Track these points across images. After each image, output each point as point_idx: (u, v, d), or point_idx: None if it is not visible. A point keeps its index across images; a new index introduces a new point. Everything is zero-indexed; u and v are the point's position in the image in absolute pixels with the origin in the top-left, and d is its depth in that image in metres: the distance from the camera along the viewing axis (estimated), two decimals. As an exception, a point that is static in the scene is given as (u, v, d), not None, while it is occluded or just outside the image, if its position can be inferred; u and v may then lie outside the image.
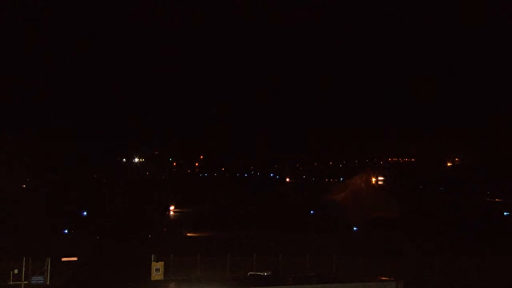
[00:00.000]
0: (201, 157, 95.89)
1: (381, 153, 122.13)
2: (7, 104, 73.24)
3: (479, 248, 55.37)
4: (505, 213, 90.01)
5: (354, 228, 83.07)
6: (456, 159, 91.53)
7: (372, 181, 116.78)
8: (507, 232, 68.18)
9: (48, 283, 37.65)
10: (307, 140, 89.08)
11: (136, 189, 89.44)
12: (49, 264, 37.99)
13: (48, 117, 78.27)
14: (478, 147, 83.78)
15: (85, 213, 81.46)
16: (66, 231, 71.24)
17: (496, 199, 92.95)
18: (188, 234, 74.26)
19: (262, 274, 35.32)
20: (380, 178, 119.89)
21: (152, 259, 38.66)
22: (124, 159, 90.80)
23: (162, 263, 38.40)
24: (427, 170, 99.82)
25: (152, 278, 36.75)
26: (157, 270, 37.90)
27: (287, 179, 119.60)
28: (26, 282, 36.61)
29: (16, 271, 36.68)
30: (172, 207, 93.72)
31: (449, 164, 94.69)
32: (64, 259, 40.76)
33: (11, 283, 36.43)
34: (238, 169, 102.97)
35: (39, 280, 37.09)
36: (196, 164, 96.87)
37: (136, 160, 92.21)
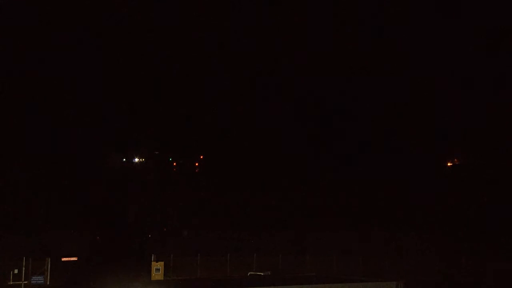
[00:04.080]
0: (201, 157, 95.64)
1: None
2: (6, 102, 72.94)
3: (479, 247, 55.41)
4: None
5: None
6: (456, 159, 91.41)
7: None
8: (507, 232, 68.15)
9: (48, 283, 37.66)
10: (307, 139, 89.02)
11: (136, 188, 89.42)
12: (49, 264, 38.01)
13: (48, 116, 78.06)
14: (478, 147, 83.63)
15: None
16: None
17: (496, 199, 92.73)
18: (188, 234, 74.18)
19: (262, 274, 35.37)
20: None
21: (152, 259, 38.68)
22: (124, 159, 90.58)
23: (162, 263, 38.42)
24: (427, 170, 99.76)
25: (152, 278, 36.75)
26: (157, 270, 37.92)
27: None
28: (26, 282, 36.63)
29: (16, 271, 36.71)
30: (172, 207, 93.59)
31: (449, 164, 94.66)
32: (64, 259, 40.75)
33: (11, 283, 36.46)
34: (238, 169, 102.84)
35: (39, 280, 37.11)
36: (196, 164, 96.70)
37: (136, 160, 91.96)
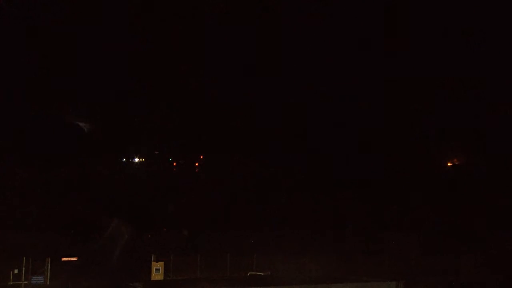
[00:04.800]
0: (201, 157, 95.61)
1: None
2: (6, 103, 72.94)
3: (478, 247, 55.43)
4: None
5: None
6: (455, 160, 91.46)
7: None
8: (507, 232, 68.14)
9: (48, 283, 37.68)
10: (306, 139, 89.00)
11: (136, 188, 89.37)
12: (49, 264, 38.01)
13: (48, 116, 78.02)
14: (478, 147, 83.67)
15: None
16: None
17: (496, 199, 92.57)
18: (188, 234, 74.10)
19: (262, 274, 35.38)
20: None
21: (152, 259, 38.71)
22: (124, 159, 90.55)
23: (162, 263, 38.47)
24: (426, 170, 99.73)
25: (152, 278, 36.79)
26: (157, 270, 37.96)
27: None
28: (26, 282, 36.65)
29: (16, 271, 36.76)
30: (172, 206, 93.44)
31: (449, 164, 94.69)
32: (64, 259, 40.72)
33: (11, 283, 36.48)
34: (238, 169, 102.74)
35: (39, 280, 37.14)
36: (196, 164, 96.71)
37: (136, 160, 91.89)
